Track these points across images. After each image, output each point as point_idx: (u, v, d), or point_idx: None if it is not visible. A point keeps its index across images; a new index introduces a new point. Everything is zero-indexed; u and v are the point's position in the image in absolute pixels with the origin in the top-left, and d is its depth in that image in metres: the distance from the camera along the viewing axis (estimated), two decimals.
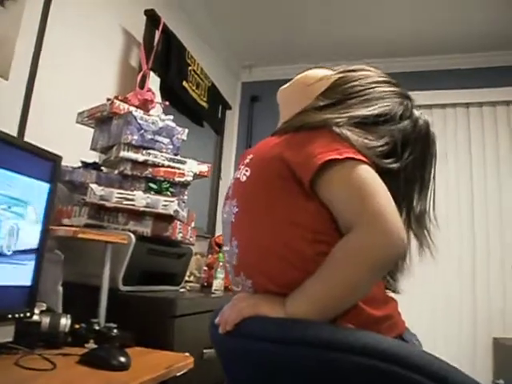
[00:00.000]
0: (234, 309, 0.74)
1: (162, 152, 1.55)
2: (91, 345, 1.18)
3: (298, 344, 0.62)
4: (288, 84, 1.05)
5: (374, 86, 0.93)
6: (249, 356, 0.69)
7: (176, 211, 1.47)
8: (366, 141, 0.78)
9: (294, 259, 0.74)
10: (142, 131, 1.50)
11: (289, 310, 0.70)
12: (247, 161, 0.84)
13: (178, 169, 1.57)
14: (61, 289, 1.31)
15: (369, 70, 0.97)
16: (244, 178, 0.81)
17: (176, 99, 2.50)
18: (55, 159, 1.14)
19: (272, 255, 0.76)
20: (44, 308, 1.21)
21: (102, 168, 1.62)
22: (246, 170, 0.81)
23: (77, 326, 1.21)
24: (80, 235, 1.21)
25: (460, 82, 3.20)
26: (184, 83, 2.61)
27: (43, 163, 1.11)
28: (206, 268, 2.23)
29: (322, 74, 0.98)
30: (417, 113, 0.94)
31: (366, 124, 0.84)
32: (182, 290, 1.81)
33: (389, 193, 0.71)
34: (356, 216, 0.69)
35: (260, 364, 0.68)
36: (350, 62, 3.61)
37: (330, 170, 0.72)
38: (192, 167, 1.61)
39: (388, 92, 0.93)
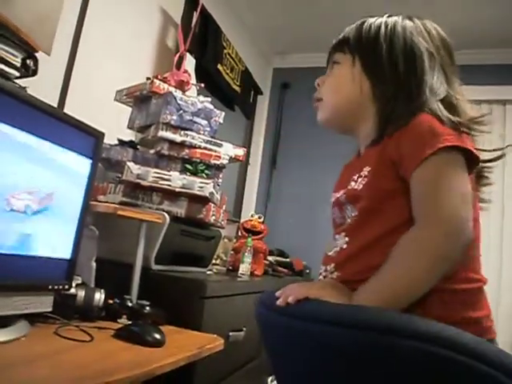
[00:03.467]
0: (300, 287, 0.74)
1: (199, 134, 1.55)
2: (124, 320, 1.20)
3: (352, 327, 0.62)
4: (331, 108, 0.96)
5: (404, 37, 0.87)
6: (304, 337, 0.68)
7: (211, 193, 1.47)
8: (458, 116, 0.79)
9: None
10: (181, 112, 1.50)
11: (353, 299, 0.71)
12: (365, 173, 0.84)
13: (215, 151, 1.56)
14: (94, 264, 1.33)
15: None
16: (360, 187, 0.83)
17: (210, 82, 2.50)
18: (98, 135, 1.14)
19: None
20: (79, 281, 1.23)
21: (138, 147, 1.63)
22: (364, 180, 0.83)
23: (110, 302, 1.23)
24: (119, 212, 1.22)
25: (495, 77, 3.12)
26: (219, 66, 2.60)
27: (86, 138, 1.12)
28: (232, 252, 2.24)
29: (348, 76, 0.91)
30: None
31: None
32: (208, 272, 1.82)
33: (467, 187, 0.74)
34: (425, 211, 0.73)
35: (315, 345, 0.67)
36: None
37: (425, 162, 0.73)
38: (228, 150, 1.61)
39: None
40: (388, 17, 0.91)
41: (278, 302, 0.72)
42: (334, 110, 0.94)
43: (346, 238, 0.84)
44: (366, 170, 0.84)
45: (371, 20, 0.91)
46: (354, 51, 0.90)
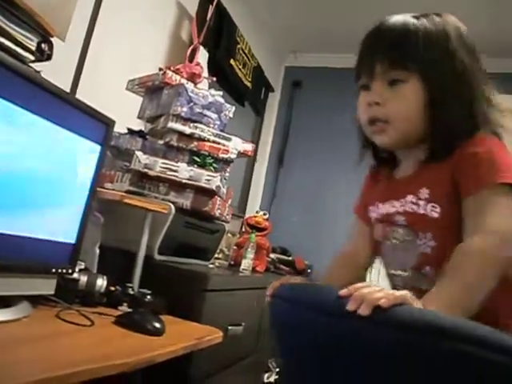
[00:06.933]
0: (382, 291, 0.60)
1: (208, 127, 1.56)
2: (124, 308, 1.20)
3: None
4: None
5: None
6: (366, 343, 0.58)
7: (218, 187, 1.47)
8: None
9: None
10: (192, 104, 1.50)
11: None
12: (426, 196, 0.84)
13: (223, 145, 1.57)
14: (98, 250, 1.33)
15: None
16: (435, 215, 0.82)
17: (221, 76, 2.50)
18: (109, 122, 1.15)
19: None
20: (82, 267, 1.24)
21: (147, 137, 1.64)
22: (434, 207, 0.83)
23: (112, 288, 1.23)
24: (126, 200, 1.22)
25: None
26: (231, 61, 2.60)
27: (97, 125, 1.12)
28: (235, 247, 2.25)
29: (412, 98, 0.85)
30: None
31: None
32: (211, 265, 1.83)
33: None
34: (476, 226, 0.76)
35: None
36: None
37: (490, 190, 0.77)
38: (237, 145, 1.62)
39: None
40: (430, 18, 0.87)
41: (352, 307, 0.58)
42: (405, 135, 0.88)
43: (429, 270, 0.84)
44: (425, 193, 0.84)
45: (422, 25, 0.85)
46: (419, 69, 0.84)
